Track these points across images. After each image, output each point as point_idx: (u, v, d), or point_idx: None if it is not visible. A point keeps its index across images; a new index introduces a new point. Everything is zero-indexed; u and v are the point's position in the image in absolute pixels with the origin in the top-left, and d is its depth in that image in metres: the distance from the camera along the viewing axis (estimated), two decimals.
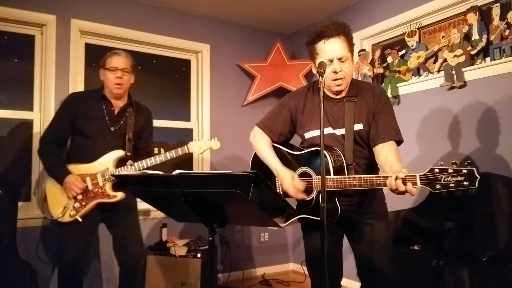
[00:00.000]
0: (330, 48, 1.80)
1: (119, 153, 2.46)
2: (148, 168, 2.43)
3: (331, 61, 1.79)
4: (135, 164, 2.43)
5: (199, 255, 3.21)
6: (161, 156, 2.44)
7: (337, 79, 1.81)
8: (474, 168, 1.40)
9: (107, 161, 2.43)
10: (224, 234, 3.98)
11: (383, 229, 1.88)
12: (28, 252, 3.09)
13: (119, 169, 2.42)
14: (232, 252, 4.01)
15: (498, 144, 2.67)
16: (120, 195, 2.42)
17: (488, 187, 2.53)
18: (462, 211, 2.59)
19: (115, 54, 2.52)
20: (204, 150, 2.53)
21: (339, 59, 1.79)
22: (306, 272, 3.94)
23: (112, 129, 2.49)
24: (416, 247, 2.67)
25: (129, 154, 2.47)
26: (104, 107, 2.51)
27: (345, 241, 1.98)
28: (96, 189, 2.42)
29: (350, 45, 1.84)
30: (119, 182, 2.42)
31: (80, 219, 2.39)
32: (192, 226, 3.75)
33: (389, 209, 1.99)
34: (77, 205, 2.41)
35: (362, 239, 1.88)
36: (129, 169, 2.41)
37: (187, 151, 2.46)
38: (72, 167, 2.45)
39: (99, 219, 2.56)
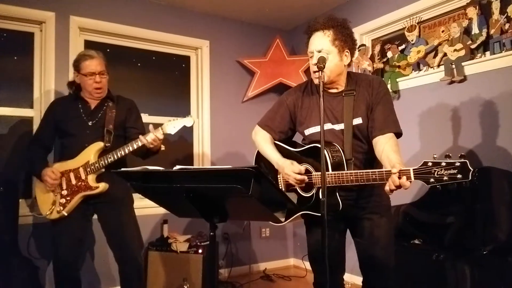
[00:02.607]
0: (312, 42, 1.84)
1: (99, 145, 2.47)
2: (131, 152, 2.43)
3: (312, 53, 1.83)
4: (112, 152, 2.41)
5: (200, 251, 3.22)
6: (138, 142, 2.39)
7: (315, 72, 1.80)
8: (467, 161, 1.40)
9: (87, 154, 2.45)
10: (225, 230, 4.00)
11: (385, 224, 1.88)
12: (30, 249, 3.10)
13: (98, 159, 2.43)
14: (233, 248, 4.03)
15: (499, 138, 2.67)
16: (102, 185, 2.42)
17: (489, 181, 2.53)
18: (463, 205, 2.59)
19: (89, 58, 2.48)
20: (179, 128, 2.49)
21: (318, 51, 1.80)
22: (307, 267, 3.98)
23: (90, 123, 2.51)
24: (416, 241, 2.68)
25: (109, 145, 2.47)
26: (80, 105, 2.55)
27: (349, 236, 1.99)
28: (79, 183, 2.44)
29: (339, 39, 1.80)
30: (106, 174, 2.43)
31: (66, 214, 2.41)
32: (193, 222, 3.77)
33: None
34: (62, 200, 2.43)
35: (364, 234, 1.88)
36: (108, 158, 2.40)
37: (162, 132, 2.42)
38: (58, 165, 2.50)
39: (90, 214, 2.57)
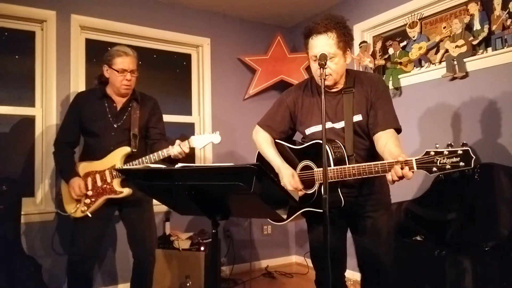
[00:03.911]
0: (316, 45, 1.79)
1: (126, 149, 2.49)
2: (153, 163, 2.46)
3: (317, 57, 1.76)
4: (139, 160, 2.46)
5: (202, 248, 3.23)
6: (164, 152, 2.44)
7: (321, 75, 1.79)
8: (469, 149, 1.41)
9: (114, 158, 2.47)
10: (227, 227, 4.00)
11: (385, 222, 1.89)
12: (33, 247, 3.12)
13: (126, 165, 2.46)
14: (235, 245, 4.04)
15: (501, 134, 2.67)
16: (126, 191, 2.46)
17: (491, 177, 2.53)
18: (464, 201, 2.59)
19: (124, 54, 2.49)
20: (205, 144, 2.54)
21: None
22: (309, 264, 3.99)
23: (115, 125, 2.52)
24: (418, 238, 2.68)
25: (135, 150, 2.50)
26: (106, 104, 2.54)
27: (349, 233, 1.99)
28: (105, 186, 2.47)
29: (342, 41, 1.79)
30: (126, 178, 2.45)
31: (90, 215, 2.45)
32: (195, 219, 3.78)
33: (392, 200, 2.00)
34: (87, 201, 2.47)
35: (363, 232, 1.89)
36: (135, 165, 2.44)
37: (188, 146, 2.46)
38: (84, 164, 2.53)
39: (113, 214, 2.62)
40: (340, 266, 1.98)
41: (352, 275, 3.15)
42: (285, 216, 1.78)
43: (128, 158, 2.49)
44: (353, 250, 1.98)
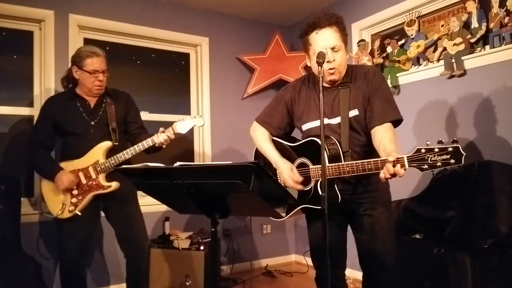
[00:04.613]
0: (323, 38, 1.80)
1: (107, 144, 2.48)
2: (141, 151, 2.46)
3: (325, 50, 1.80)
4: (124, 151, 2.44)
5: (202, 248, 3.23)
6: (148, 141, 2.42)
7: (330, 69, 1.81)
8: (459, 146, 1.41)
9: (96, 154, 2.46)
10: (226, 227, 4.01)
11: (385, 220, 1.88)
12: (32, 247, 3.12)
13: (109, 159, 2.45)
14: (235, 244, 4.04)
15: (499, 132, 2.67)
16: (114, 184, 2.45)
17: (489, 174, 2.53)
18: (463, 199, 2.60)
19: (94, 55, 2.45)
20: (189, 129, 2.54)
21: (332, 49, 1.79)
22: (309, 263, 3.99)
23: (92, 122, 2.51)
24: (417, 236, 2.68)
25: (117, 143, 2.50)
26: (78, 104, 2.53)
27: (349, 232, 1.99)
28: (90, 182, 2.45)
29: (343, 35, 1.83)
30: (114, 172, 2.45)
31: (79, 213, 2.43)
32: (194, 219, 3.78)
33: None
34: (74, 200, 2.44)
35: (364, 230, 1.88)
36: (119, 158, 2.42)
37: (172, 132, 2.46)
38: (64, 164, 2.50)
39: (99, 212, 2.59)
40: (340, 264, 1.98)
41: (352, 273, 3.15)
42: (284, 214, 1.79)
43: (110, 152, 2.47)
44: (353, 248, 1.98)
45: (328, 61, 1.78)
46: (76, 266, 2.50)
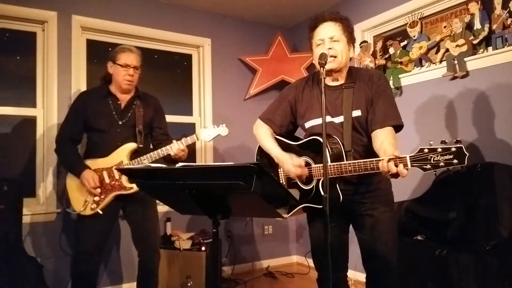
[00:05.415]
0: (323, 29, 1.87)
1: (132, 146, 2.53)
2: (160, 158, 2.51)
3: (323, 40, 1.85)
4: (148, 155, 2.50)
5: (203, 248, 3.23)
6: (163, 150, 2.49)
7: (330, 56, 1.81)
8: (462, 146, 1.40)
9: (121, 154, 2.51)
10: (228, 228, 4.01)
11: (388, 220, 1.88)
12: (34, 247, 3.12)
13: (133, 161, 2.50)
14: (236, 245, 4.04)
15: (501, 133, 2.66)
16: (136, 186, 2.46)
17: (491, 176, 2.53)
18: (465, 200, 2.59)
19: (128, 51, 2.56)
20: (214, 137, 2.57)
21: (330, 38, 1.84)
22: (310, 264, 3.99)
23: (120, 122, 2.56)
24: (419, 237, 2.68)
25: (141, 146, 2.54)
26: (110, 102, 2.58)
27: (351, 233, 1.99)
28: (113, 182, 2.50)
29: (347, 31, 1.87)
30: (128, 177, 2.46)
31: (101, 212, 2.48)
32: (196, 220, 3.78)
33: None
34: (96, 198, 2.49)
35: (365, 230, 1.88)
36: (142, 161, 2.48)
37: (196, 139, 2.52)
38: (89, 162, 2.54)
39: (118, 211, 2.64)
40: (341, 265, 1.97)
41: (354, 275, 3.15)
42: (285, 215, 1.78)
43: (134, 154, 2.52)
44: (355, 250, 1.98)
45: (329, 48, 1.82)
46: (89, 264, 2.53)
